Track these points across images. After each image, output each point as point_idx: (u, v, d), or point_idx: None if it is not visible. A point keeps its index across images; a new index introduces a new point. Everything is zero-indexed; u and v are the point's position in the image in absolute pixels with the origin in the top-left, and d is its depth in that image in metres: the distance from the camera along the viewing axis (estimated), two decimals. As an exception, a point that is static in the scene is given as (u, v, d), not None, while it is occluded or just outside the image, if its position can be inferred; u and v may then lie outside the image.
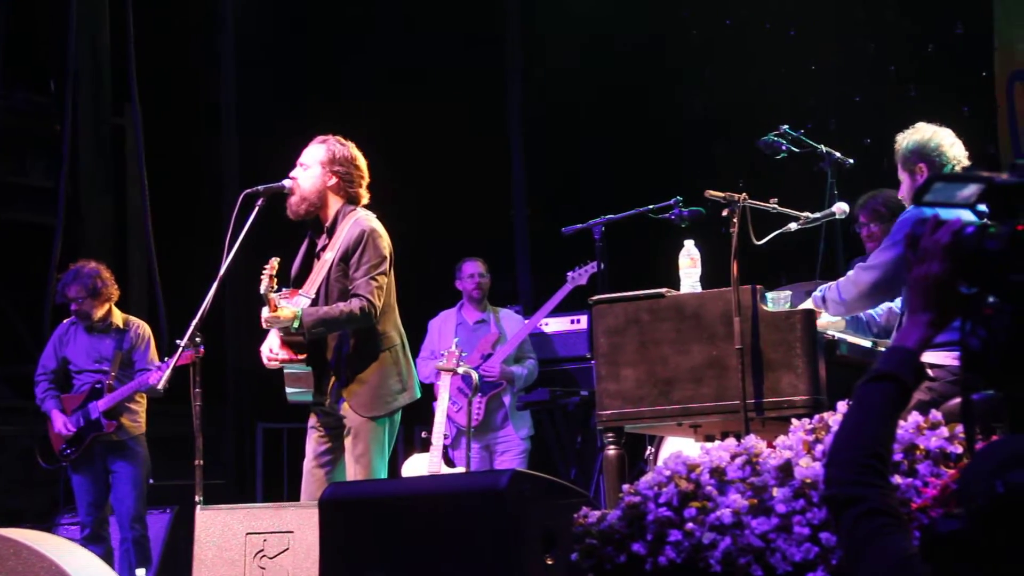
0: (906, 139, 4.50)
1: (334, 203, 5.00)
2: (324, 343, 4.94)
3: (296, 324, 4.80)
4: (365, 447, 4.89)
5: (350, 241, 4.91)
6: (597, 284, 6.18)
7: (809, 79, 8.69)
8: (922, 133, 4.48)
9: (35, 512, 7.51)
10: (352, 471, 4.91)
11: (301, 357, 4.90)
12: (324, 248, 4.98)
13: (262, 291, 4.80)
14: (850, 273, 4.42)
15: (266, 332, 5.01)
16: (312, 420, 5.05)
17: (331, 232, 4.98)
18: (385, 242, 4.96)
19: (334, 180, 4.98)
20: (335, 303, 4.89)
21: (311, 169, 4.98)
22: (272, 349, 4.95)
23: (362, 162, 5.07)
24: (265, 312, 4.82)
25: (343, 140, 5.06)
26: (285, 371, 4.96)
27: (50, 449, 6.78)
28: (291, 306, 4.85)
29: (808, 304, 4.46)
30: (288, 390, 4.98)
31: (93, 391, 6.71)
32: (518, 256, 9.87)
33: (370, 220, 4.99)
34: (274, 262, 4.87)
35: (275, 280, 4.85)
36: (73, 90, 8.73)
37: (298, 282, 5.03)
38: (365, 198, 5.07)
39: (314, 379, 4.93)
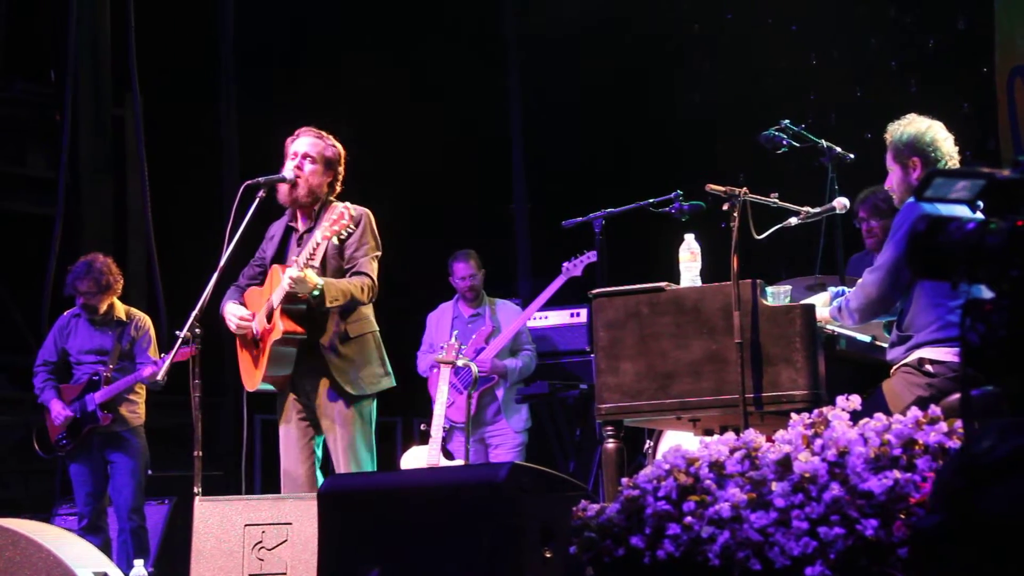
0: (900, 130, 4.41)
1: (324, 194, 5.16)
2: (319, 319, 4.97)
3: (317, 292, 4.83)
4: (349, 434, 4.95)
5: None
6: (596, 277, 6.17)
7: (810, 74, 8.69)
8: (917, 126, 4.41)
9: (33, 502, 7.51)
10: (339, 460, 4.93)
11: (302, 330, 4.93)
12: (309, 230, 5.06)
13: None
14: (859, 280, 4.40)
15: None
16: (291, 410, 5.07)
17: (317, 216, 5.08)
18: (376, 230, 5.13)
19: (331, 178, 5.16)
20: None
21: (318, 166, 5.12)
22: (243, 316, 5.03)
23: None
24: (293, 271, 4.81)
25: (333, 138, 5.20)
26: (272, 348, 4.94)
27: (47, 439, 6.79)
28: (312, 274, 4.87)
29: (823, 313, 4.43)
30: (258, 380, 5.00)
31: (90, 383, 6.71)
32: (518, 249, 9.86)
33: (358, 208, 5.10)
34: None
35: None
36: (73, 80, 8.71)
37: (277, 260, 5.12)
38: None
39: (296, 357, 4.95)
